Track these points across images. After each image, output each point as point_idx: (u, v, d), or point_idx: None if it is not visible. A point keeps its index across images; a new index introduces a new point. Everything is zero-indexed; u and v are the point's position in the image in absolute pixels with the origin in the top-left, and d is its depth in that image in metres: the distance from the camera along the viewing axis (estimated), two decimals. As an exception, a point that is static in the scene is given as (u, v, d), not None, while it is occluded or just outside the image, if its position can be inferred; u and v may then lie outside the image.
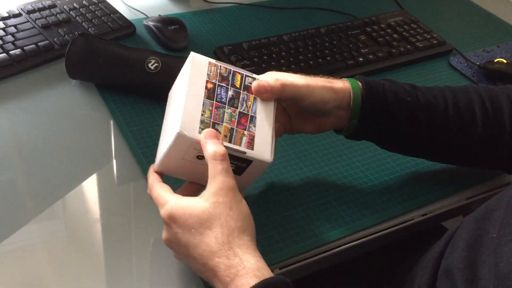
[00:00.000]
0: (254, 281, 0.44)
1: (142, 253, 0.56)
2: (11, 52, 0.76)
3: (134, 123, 0.70)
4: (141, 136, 0.69)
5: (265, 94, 0.55)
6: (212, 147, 0.49)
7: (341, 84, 0.60)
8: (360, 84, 0.60)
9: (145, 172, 0.60)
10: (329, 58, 0.85)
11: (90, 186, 0.63)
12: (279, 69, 0.81)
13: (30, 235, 0.57)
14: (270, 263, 0.55)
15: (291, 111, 0.61)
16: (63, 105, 0.73)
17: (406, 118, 0.60)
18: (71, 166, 0.65)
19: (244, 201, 0.49)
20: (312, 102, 0.57)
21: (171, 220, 0.48)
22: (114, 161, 0.66)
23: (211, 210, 0.46)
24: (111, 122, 0.71)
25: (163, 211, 0.49)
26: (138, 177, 0.64)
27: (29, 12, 0.85)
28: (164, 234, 0.50)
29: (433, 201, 0.66)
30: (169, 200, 0.49)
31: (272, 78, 0.56)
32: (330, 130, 0.63)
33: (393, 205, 0.64)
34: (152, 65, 0.72)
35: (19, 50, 0.77)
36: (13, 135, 0.67)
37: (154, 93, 0.73)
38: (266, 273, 0.45)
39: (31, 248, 0.56)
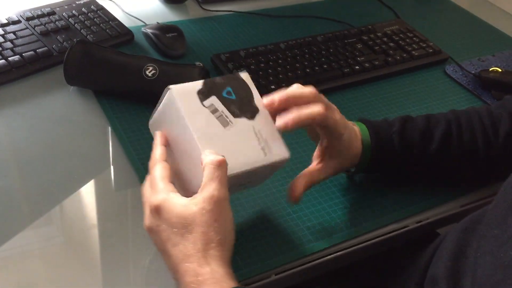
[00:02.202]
0: None
1: (139, 259, 0.57)
2: (10, 58, 0.76)
3: (131, 129, 0.71)
4: (138, 142, 0.69)
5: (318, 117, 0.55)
6: (212, 155, 0.48)
7: (356, 144, 0.61)
8: (368, 130, 0.62)
9: (142, 178, 0.61)
10: (325, 66, 0.86)
11: (87, 192, 0.63)
12: (276, 77, 0.82)
13: (27, 241, 0.57)
14: (265, 269, 0.56)
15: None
16: (61, 111, 0.73)
17: (416, 167, 0.64)
18: (69, 172, 0.65)
19: (231, 215, 0.48)
20: (344, 139, 0.58)
21: (157, 212, 0.48)
22: (111, 167, 0.67)
23: (197, 216, 0.46)
24: (109, 128, 0.71)
25: (154, 199, 0.48)
26: (135, 183, 0.64)
27: (28, 19, 0.85)
28: (146, 220, 0.50)
29: (427, 209, 0.66)
30: (163, 191, 0.49)
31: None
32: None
33: (387, 212, 0.65)
34: (149, 72, 0.73)
35: (17, 56, 0.77)
36: (10, 141, 0.68)
37: (151, 100, 0.72)
38: (233, 284, 0.45)
39: (27, 254, 0.56)
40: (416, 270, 0.55)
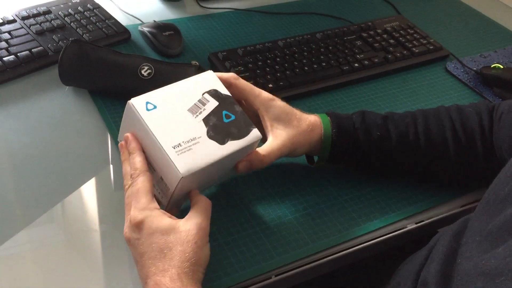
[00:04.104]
0: None
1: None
2: (4, 58, 0.76)
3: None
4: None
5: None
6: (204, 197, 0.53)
7: (317, 132, 0.61)
8: (331, 124, 0.62)
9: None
10: (324, 64, 0.85)
11: (84, 193, 0.63)
12: (273, 75, 0.81)
13: (22, 243, 0.56)
14: (265, 270, 0.56)
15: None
16: (56, 112, 0.72)
17: (377, 153, 0.63)
18: (64, 172, 0.64)
19: (208, 243, 0.51)
20: (292, 154, 0.62)
21: (138, 227, 0.49)
22: (106, 167, 0.66)
23: (181, 236, 0.48)
24: (104, 128, 0.71)
25: (138, 214, 0.49)
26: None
27: (23, 18, 0.85)
28: (127, 231, 0.51)
29: (427, 209, 0.65)
30: (148, 207, 0.50)
31: (260, 153, 0.58)
32: None
33: (385, 213, 0.64)
34: (145, 71, 0.72)
35: (12, 56, 0.76)
36: (5, 142, 0.67)
37: (147, 100, 0.72)
38: None
39: (23, 256, 0.55)
40: (411, 272, 0.55)
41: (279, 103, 0.60)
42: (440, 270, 0.48)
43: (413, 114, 0.65)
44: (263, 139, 0.60)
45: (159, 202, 0.54)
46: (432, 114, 0.65)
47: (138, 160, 0.53)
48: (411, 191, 0.67)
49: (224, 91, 0.57)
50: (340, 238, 0.60)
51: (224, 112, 0.55)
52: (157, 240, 0.48)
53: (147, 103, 0.53)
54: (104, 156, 0.67)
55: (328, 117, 0.63)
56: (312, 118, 0.62)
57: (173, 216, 0.51)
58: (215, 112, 0.55)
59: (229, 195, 0.64)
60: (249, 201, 0.63)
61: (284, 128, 0.59)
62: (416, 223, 0.64)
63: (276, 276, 0.56)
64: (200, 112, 0.54)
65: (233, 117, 0.56)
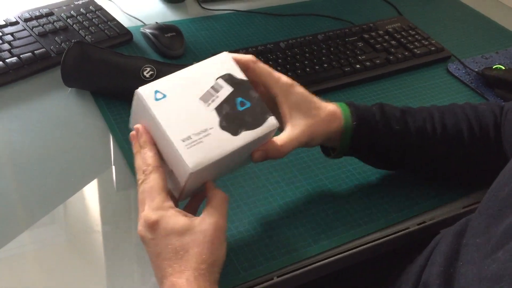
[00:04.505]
0: None
1: (143, 261, 0.56)
2: (7, 60, 0.76)
3: (128, 131, 0.70)
4: (136, 144, 0.68)
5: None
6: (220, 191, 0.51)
7: (336, 123, 0.59)
8: (351, 115, 0.60)
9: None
10: (326, 65, 0.85)
11: (86, 194, 0.63)
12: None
13: (25, 244, 0.57)
14: (267, 271, 0.56)
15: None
16: (58, 113, 0.73)
17: (395, 147, 0.62)
18: (66, 173, 0.64)
19: (225, 241, 0.49)
20: (309, 144, 0.59)
21: (153, 228, 0.47)
22: (108, 168, 0.66)
23: (197, 237, 0.47)
24: (107, 129, 0.71)
25: (152, 214, 0.47)
26: (132, 184, 0.64)
27: (26, 20, 0.85)
28: (141, 229, 0.49)
29: (428, 210, 0.65)
30: (162, 207, 0.48)
31: (277, 142, 0.55)
32: None
33: (388, 214, 0.64)
34: (147, 73, 0.72)
35: (15, 58, 0.77)
36: (8, 143, 0.67)
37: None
38: None
39: (25, 256, 0.56)
40: (412, 273, 0.54)
41: (298, 89, 0.57)
42: (443, 271, 0.48)
43: (429, 109, 0.64)
44: (280, 127, 0.56)
45: (171, 194, 0.52)
46: (447, 109, 0.64)
47: (149, 155, 0.50)
48: (413, 192, 0.67)
49: (239, 75, 0.53)
50: (342, 239, 0.60)
51: (238, 99, 0.52)
52: (172, 241, 0.47)
53: (156, 92, 0.50)
54: (106, 157, 0.67)
55: (348, 108, 0.60)
56: (331, 108, 0.59)
57: (188, 214, 0.49)
58: (229, 99, 0.51)
59: (231, 195, 0.64)
60: (251, 202, 0.63)
61: (303, 117, 0.56)
62: (418, 224, 0.64)
63: (278, 277, 0.56)
64: (213, 100, 0.51)
65: (248, 104, 0.52)
